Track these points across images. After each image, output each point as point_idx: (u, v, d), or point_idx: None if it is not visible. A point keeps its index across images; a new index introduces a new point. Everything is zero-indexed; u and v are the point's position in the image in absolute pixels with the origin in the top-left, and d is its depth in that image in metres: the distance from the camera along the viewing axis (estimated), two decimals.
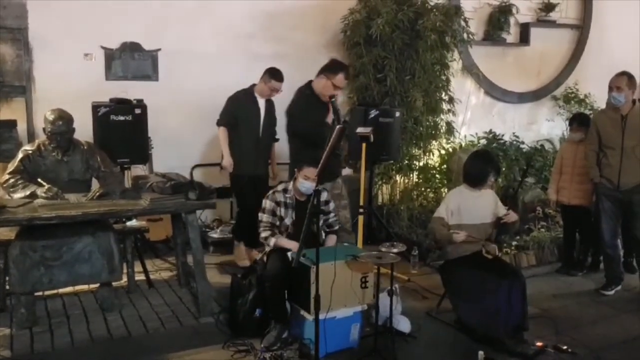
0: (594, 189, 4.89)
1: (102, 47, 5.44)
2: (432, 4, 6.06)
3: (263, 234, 3.88)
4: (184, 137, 5.75)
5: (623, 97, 4.50)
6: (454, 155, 6.40)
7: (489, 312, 3.70)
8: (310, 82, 4.73)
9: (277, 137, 5.31)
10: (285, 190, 3.95)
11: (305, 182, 3.83)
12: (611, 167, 4.63)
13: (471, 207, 4.02)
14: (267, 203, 3.92)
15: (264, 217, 3.91)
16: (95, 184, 4.31)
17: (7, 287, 4.09)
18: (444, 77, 6.31)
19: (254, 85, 5.13)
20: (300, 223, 3.68)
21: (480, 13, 7.12)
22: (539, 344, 3.72)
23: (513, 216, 4.03)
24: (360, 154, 5.03)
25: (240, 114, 5.03)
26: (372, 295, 3.73)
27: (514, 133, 7.29)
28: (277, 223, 3.91)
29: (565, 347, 3.71)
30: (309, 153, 4.18)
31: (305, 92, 4.68)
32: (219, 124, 5.08)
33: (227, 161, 5.00)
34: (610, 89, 4.56)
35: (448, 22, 5.94)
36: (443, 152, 6.56)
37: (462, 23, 6.21)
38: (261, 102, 5.11)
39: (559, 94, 7.92)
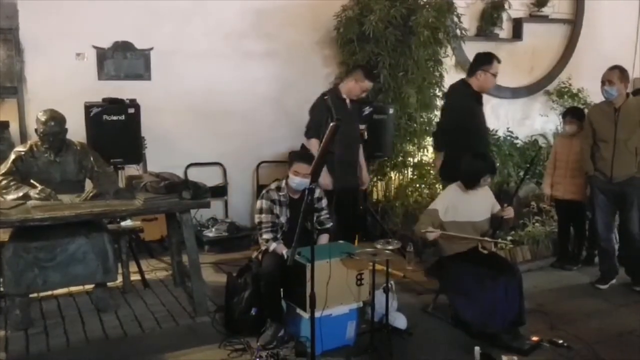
0: (588, 183, 4.91)
1: (94, 47, 5.41)
2: (424, 0, 6.05)
3: (265, 235, 3.84)
4: (177, 136, 5.73)
5: (615, 91, 4.53)
6: None
7: (485, 308, 3.71)
8: (462, 80, 4.57)
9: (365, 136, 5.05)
10: (278, 189, 3.93)
11: (295, 178, 3.82)
12: (604, 160, 4.65)
13: (467, 205, 4.02)
14: (263, 203, 3.89)
15: (262, 217, 3.87)
16: (88, 185, 4.29)
17: (2, 288, 4.06)
18: (437, 73, 6.31)
19: (337, 85, 4.80)
20: (294, 221, 3.68)
21: (472, 9, 7.12)
22: (534, 338, 3.74)
23: (511, 212, 4.04)
24: None
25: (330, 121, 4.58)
26: (367, 293, 3.72)
27: (507, 128, 7.30)
28: (276, 221, 3.90)
29: (561, 342, 3.72)
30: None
31: (469, 91, 4.45)
32: (310, 135, 4.63)
33: (328, 180, 4.50)
34: (603, 83, 4.59)
35: (441, 18, 5.93)
36: None
37: (455, 19, 6.19)
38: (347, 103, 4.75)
39: (552, 89, 7.93)
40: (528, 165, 4.93)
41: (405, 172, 6.47)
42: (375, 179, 6.33)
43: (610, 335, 3.94)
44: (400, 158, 6.31)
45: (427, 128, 6.35)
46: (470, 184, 4.00)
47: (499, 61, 4.52)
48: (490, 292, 3.72)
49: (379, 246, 3.63)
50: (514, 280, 3.81)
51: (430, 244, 4.07)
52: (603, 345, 3.75)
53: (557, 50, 8.00)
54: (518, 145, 7.06)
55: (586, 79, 7.46)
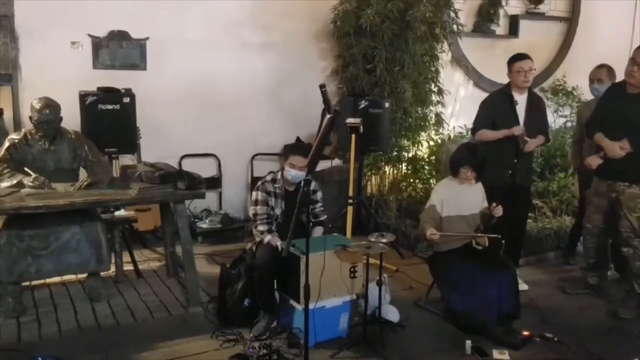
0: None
1: (90, 36, 5.38)
2: None
3: (260, 227, 3.84)
4: (172, 127, 5.71)
5: (604, 89, 4.51)
6: (443, 147, 6.41)
7: (477, 302, 3.72)
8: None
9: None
10: (274, 180, 3.93)
11: (291, 170, 3.82)
12: None
13: (458, 199, 4.04)
14: (258, 195, 3.89)
15: (257, 209, 3.87)
16: (83, 174, 4.28)
17: None
18: (433, 69, 6.32)
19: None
20: (289, 213, 3.68)
21: (469, 4, 7.12)
22: (525, 333, 3.76)
23: (500, 211, 4.04)
24: (349, 145, 5.03)
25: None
26: (361, 285, 3.74)
27: None
28: (271, 213, 3.90)
29: (551, 336, 3.75)
30: None
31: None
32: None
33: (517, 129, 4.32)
34: (591, 81, 4.61)
35: (438, 13, 5.94)
36: (432, 143, 6.58)
37: (452, 14, 6.21)
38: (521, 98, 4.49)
39: (547, 87, 7.96)
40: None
41: (400, 166, 6.49)
42: (369, 173, 6.35)
43: (601, 330, 3.97)
44: (395, 152, 6.33)
45: (422, 123, 6.37)
46: (452, 171, 4.10)
47: None
48: (483, 286, 3.74)
49: (372, 239, 3.64)
50: (507, 275, 3.84)
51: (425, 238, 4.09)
52: (593, 339, 3.78)
53: (552, 48, 8.03)
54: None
55: (581, 77, 7.41)
